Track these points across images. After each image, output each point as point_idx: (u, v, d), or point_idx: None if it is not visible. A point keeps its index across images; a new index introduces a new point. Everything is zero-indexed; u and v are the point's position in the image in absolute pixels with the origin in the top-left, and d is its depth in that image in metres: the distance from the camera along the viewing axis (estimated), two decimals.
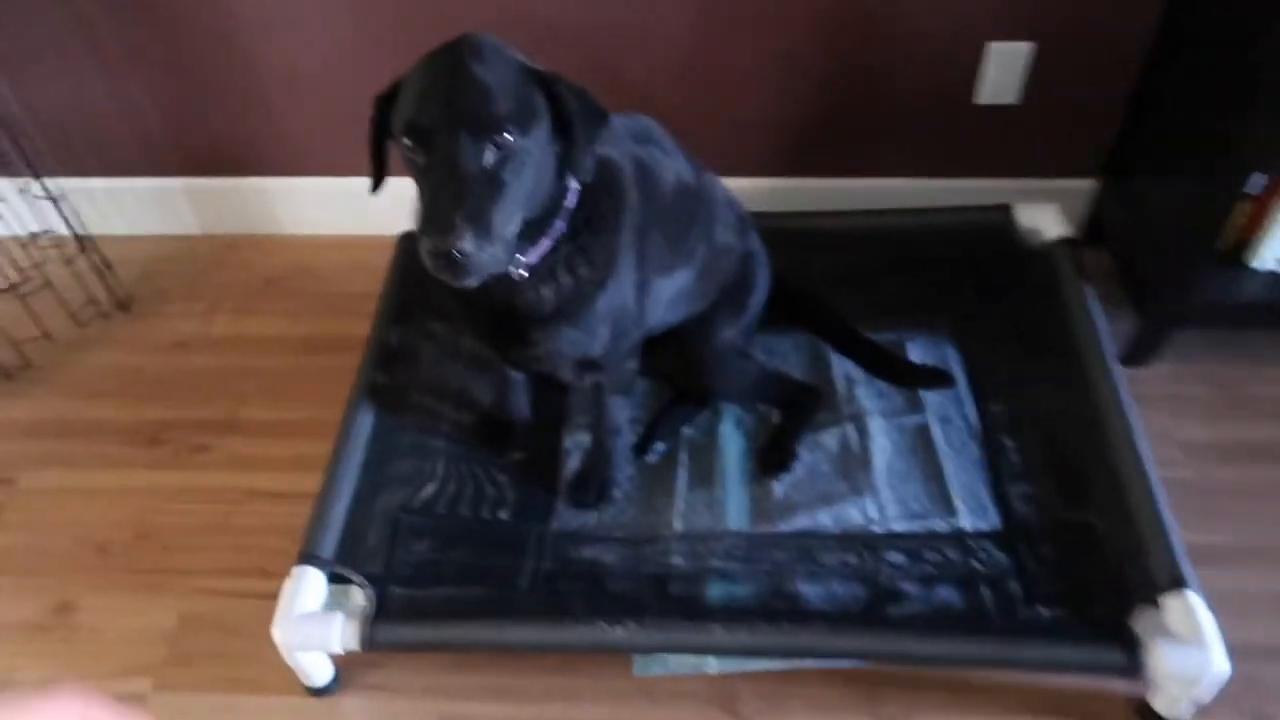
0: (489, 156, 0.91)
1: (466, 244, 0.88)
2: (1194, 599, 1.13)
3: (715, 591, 1.27)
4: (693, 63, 1.61)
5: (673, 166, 1.23)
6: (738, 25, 1.56)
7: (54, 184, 1.68)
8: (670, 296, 1.29)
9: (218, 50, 1.65)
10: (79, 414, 1.65)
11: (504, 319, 1.12)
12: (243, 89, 1.70)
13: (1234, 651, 1.11)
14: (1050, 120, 1.64)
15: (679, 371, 1.44)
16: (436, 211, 0.89)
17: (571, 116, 0.98)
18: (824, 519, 1.39)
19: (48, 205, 1.69)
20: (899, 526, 1.38)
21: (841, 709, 1.23)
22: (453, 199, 0.89)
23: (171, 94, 1.72)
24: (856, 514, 1.39)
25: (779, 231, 1.54)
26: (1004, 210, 1.62)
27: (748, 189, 1.54)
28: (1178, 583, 1.15)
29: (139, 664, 1.32)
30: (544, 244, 1.06)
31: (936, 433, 1.48)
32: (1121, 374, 1.38)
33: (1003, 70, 1.57)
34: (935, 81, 1.59)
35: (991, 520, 1.35)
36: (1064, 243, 1.56)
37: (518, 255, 1.05)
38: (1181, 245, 1.49)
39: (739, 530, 1.36)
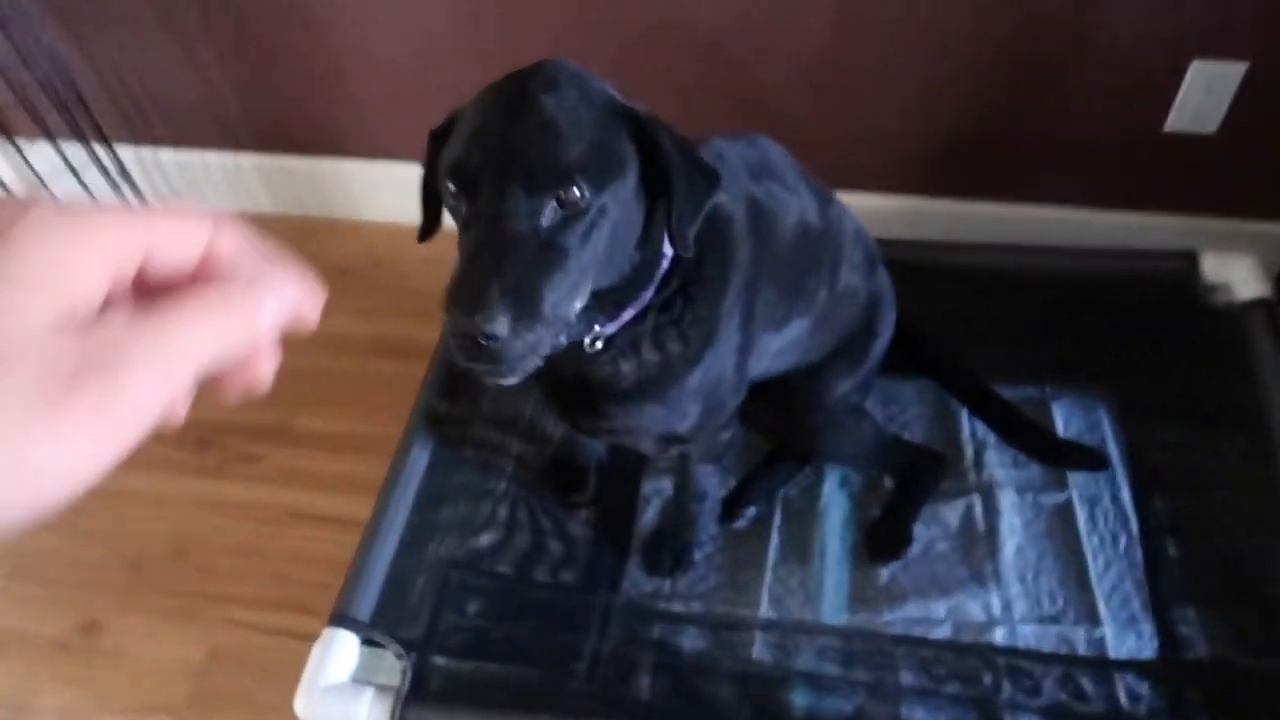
0: (549, 216, 0.71)
1: (499, 326, 0.66)
2: None
3: (800, 700, 1.09)
4: (828, 66, 1.39)
5: (794, 206, 1.01)
6: (883, 25, 1.33)
7: (123, 153, 1.57)
8: (779, 348, 1.09)
9: (293, 20, 1.50)
10: None
11: (574, 388, 0.94)
12: (320, 63, 1.55)
13: None
14: (1252, 154, 1.36)
15: (781, 426, 1.24)
16: (467, 280, 0.68)
17: (671, 174, 0.77)
18: (937, 610, 1.18)
19: (115, 174, 1.58)
20: (1027, 630, 1.16)
21: None
22: (491, 267, 0.68)
23: (247, 64, 1.58)
24: (977, 609, 1.18)
25: (910, 264, 1.31)
26: (1188, 259, 1.35)
27: (878, 209, 1.33)
28: None
29: (161, 701, 1.21)
30: (627, 314, 0.86)
31: (1081, 517, 1.25)
32: None
33: (1205, 94, 1.30)
34: (1120, 101, 1.33)
35: (1146, 643, 1.12)
36: (1260, 305, 1.29)
37: (595, 325, 0.85)
38: None
39: (836, 625, 1.17)
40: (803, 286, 1.05)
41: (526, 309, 0.69)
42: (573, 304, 0.74)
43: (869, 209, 1.22)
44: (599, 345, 0.88)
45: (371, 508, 1.18)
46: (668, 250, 0.86)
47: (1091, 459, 1.27)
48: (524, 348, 0.70)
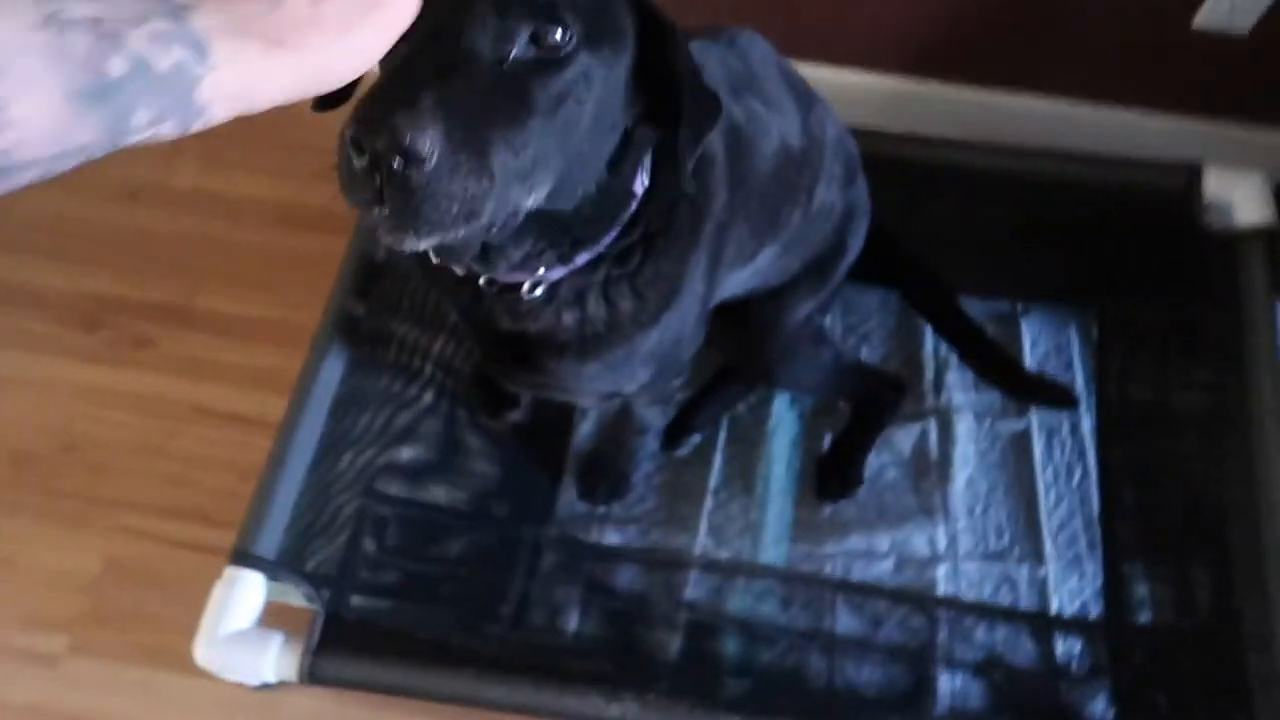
0: (519, 48, 0.54)
1: (424, 141, 0.47)
2: None
3: (733, 648, 1.05)
4: None
5: (776, 128, 0.85)
6: None
7: None
8: (744, 279, 0.96)
9: None
10: (2, 274, 1.36)
11: (507, 338, 0.81)
12: None
13: None
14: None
15: (734, 351, 1.13)
16: (394, 82, 0.49)
17: (680, 87, 0.61)
18: (881, 543, 1.14)
19: None
20: (971, 567, 1.13)
21: None
22: (432, 75, 0.49)
23: None
24: (922, 542, 1.14)
25: (887, 161, 1.16)
26: (1189, 173, 1.22)
27: (861, 90, 1.16)
28: None
29: (56, 617, 1.12)
30: (580, 259, 0.71)
31: (1038, 448, 1.20)
32: None
33: None
34: None
35: (1089, 584, 1.09)
36: (1260, 235, 1.18)
37: (542, 269, 0.71)
38: None
39: (775, 563, 1.11)
40: (777, 217, 0.91)
41: (469, 142, 0.50)
42: (524, 188, 0.56)
43: (851, 90, 1.05)
44: (538, 292, 0.73)
45: (283, 407, 1.06)
46: (638, 188, 0.71)
47: (1056, 394, 1.20)
48: (450, 196, 0.50)
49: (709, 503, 1.15)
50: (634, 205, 0.72)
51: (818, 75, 1.00)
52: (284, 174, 1.43)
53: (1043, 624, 1.08)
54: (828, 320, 1.21)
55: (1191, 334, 1.19)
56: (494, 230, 0.58)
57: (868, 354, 1.27)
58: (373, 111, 0.48)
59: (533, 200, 0.59)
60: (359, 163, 0.49)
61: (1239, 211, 1.20)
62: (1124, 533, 1.12)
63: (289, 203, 1.41)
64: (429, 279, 0.81)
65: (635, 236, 0.73)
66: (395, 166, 0.48)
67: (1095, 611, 1.09)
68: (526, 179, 0.56)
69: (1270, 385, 1.05)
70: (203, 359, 1.28)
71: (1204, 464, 1.09)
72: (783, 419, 1.22)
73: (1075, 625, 1.07)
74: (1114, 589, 1.09)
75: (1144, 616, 1.08)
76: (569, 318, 0.76)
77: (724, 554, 1.12)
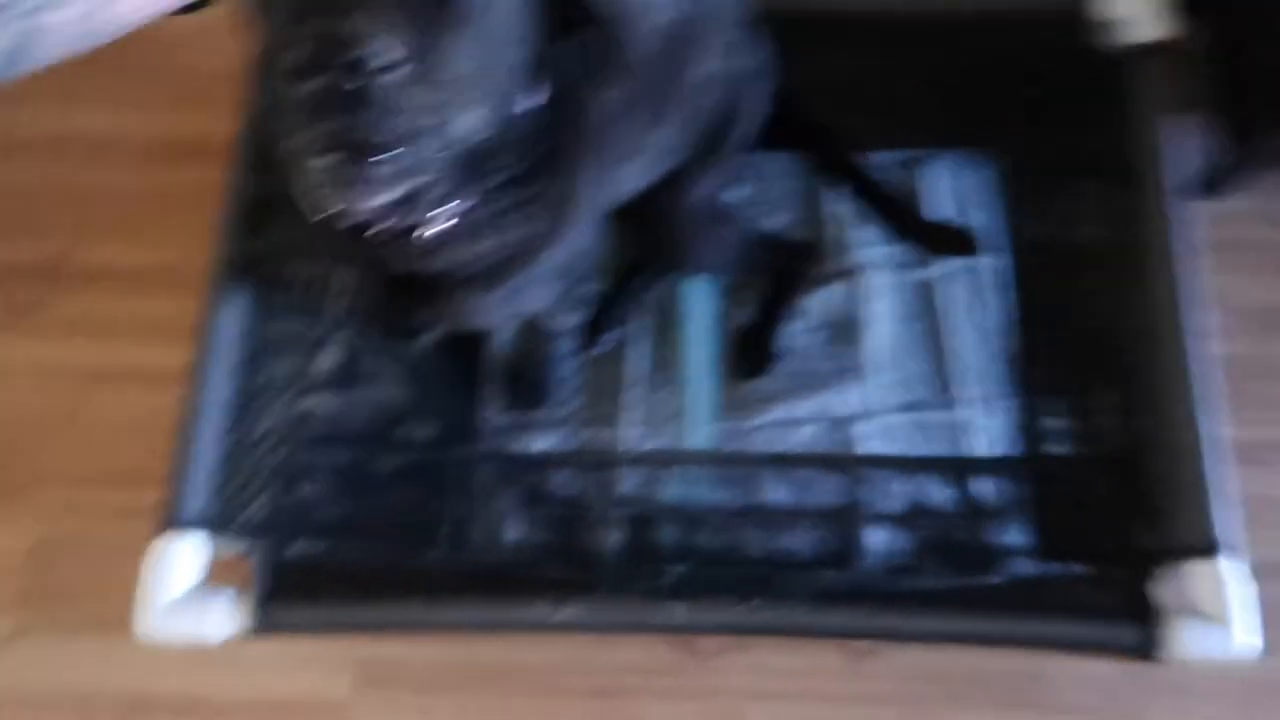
0: None
1: (391, 48, 0.42)
2: (1225, 569, 0.97)
3: (670, 536, 1.08)
4: None
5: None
6: None
7: None
8: (637, 170, 0.93)
9: None
10: None
11: (403, 280, 0.78)
12: None
13: None
14: None
15: (636, 241, 1.12)
16: None
17: None
18: (802, 410, 1.17)
19: None
20: (891, 420, 1.17)
21: (811, 647, 1.11)
22: None
23: None
24: (840, 404, 1.17)
25: (783, 17, 1.11)
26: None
27: None
28: (1208, 549, 0.97)
29: None
30: (484, 189, 0.68)
31: (949, 294, 1.21)
32: (1186, 253, 1.08)
33: None
34: None
35: (1002, 422, 1.13)
36: (1150, 52, 1.16)
37: (457, 203, 0.67)
38: None
39: (702, 447, 1.13)
40: (667, 97, 0.88)
41: (435, 44, 0.45)
42: (476, 105, 0.52)
43: None
44: (439, 229, 0.69)
45: (181, 412, 1.04)
46: (534, 106, 0.67)
47: (957, 242, 1.20)
48: (415, 121, 0.46)
49: (633, 394, 1.16)
50: (528, 125, 0.68)
51: None
52: (145, 105, 1.34)
53: (960, 467, 1.12)
54: (737, 194, 1.19)
55: (1095, 165, 1.19)
56: (440, 160, 0.53)
57: (775, 222, 1.25)
58: (313, 20, 0.40)
59: (473, 122, 0.55)
60: (304, 89, 0.42)
61: (1130, 28, 1.18)
62: (1036, 372, 1.15)
63: (157, 136, 1.33)
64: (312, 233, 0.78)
65: (533, 158, 0.70)
66: (348, 85, 0.41)
67: (1011, 450, 1.13)
68: (475, 97, 0.52)
69: (1156, 209, 1.06)
70: (97, 316, 1.24)
71: (1106, 297, 1.12)
72: (698, 302, 1.22)
73: (990, 465, 1.12)
74: (1027, 427, 1.13)
75: (1057, 449, 1.12)
76: (470, 251, 0.73)
77: (653, 444, 1.14)
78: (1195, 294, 1.09)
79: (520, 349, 1.15)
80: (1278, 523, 1.10)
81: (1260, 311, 1.23)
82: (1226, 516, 0.98)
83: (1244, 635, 0.94)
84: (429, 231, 0.69)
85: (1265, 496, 1.05)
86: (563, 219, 0.76)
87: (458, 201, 0.67)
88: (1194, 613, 0.95)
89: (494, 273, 0.77)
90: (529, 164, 0.70)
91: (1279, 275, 1.26)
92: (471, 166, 0.64)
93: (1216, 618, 0.94)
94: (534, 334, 1.10)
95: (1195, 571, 0.96)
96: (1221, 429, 1.07)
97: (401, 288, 0.81)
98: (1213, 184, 1.24)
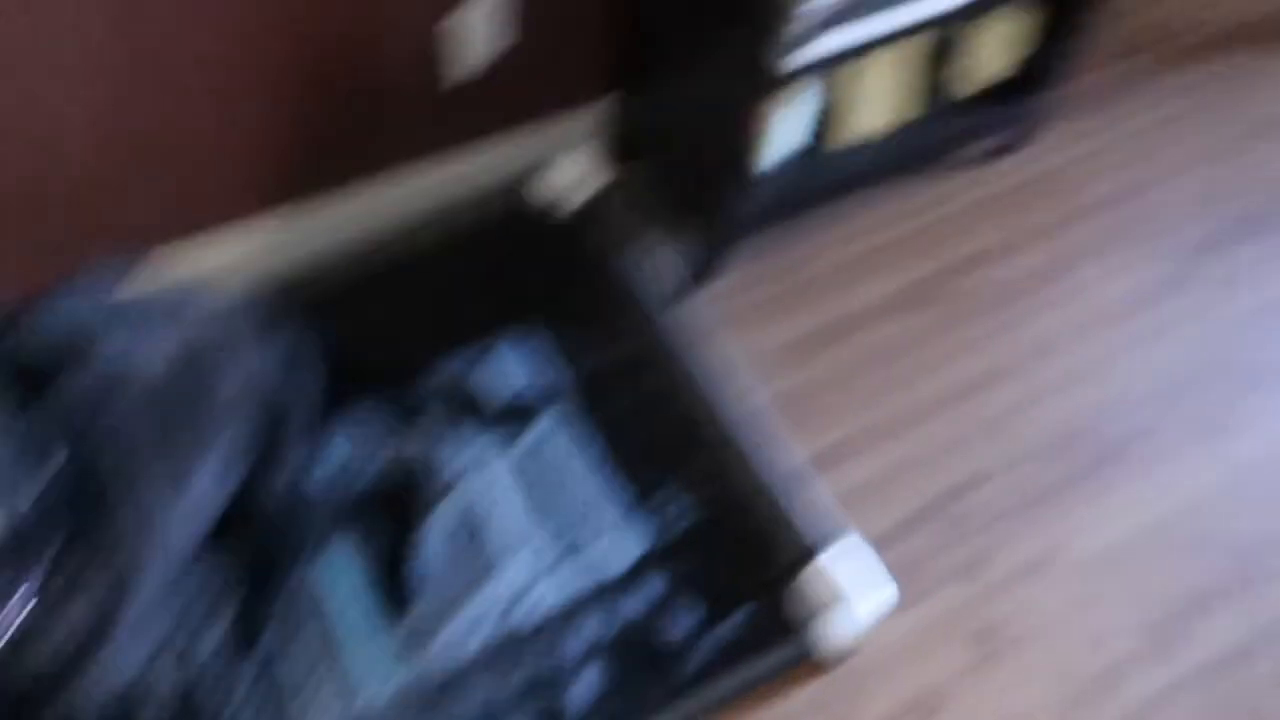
0: None
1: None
2: (828, 562, 1.15)
3: None
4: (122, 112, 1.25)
5: (143, 354, 0.91)
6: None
7: None
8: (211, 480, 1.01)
9: None
10: None
11: None
12: None
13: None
14: (542, 55, 1.46)
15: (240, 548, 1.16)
16: None
17: None
18: (464, 618, 1.19)
19: None
20: (553, 580, 1.24)
21: None
22: None
23: None
24: (504, 585, 1.23)
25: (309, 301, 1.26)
26: (513, 190, 1.43)
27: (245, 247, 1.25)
28: (807, 554, 1.15)
29: None
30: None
31: (548, 453, 1.34)
32: (704, 336, 1.30)
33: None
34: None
35: (636, 529, 1.25)
36: (594, 205, 1.42)
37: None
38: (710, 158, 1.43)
39: (390, 700, 1.13)
40: (202, 422, 0.97)
41: None
42: None
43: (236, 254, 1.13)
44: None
45: None
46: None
47: (525, 413, 1.34)
48: None
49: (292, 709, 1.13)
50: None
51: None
52: None
53: (617, 586, 1.22)
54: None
55: (597, 303, 1.41)
56: None
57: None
58: None
59: None
60: None
61: (573, 194, 1.44)
62: (642, 474, 1.29)
63: None
64: None
65: (67, 525, 0.77)
66: None
67: (654, 544, 1.24)
68: None
69: (648, 323, 1.29)
70: None
71: (660, 398, 1.32)
72: (338, 575, 1.22)
73: (640, 569, 1.21)
74: (657, 519, 1.25)
75: (683, 525, 1.25)
76: (55, 634, 0.77)
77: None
78: (724, 364, 1.32)
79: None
80: (876, 498, 1.31)
81: (783, 347, 1.50)
82: (819, 519, 1.18)
83: (866, 603, 1.13)
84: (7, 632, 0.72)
85: (855, 483, 1.27)
86: (125, 564, 0.80)
87: (20, 590, 0.71)
88: (823, 607, 1.13)
89: (85, 645, 0.78)
90: (65, 532, 0.75)
91: (784, 315, 1.53)
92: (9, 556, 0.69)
93: (839, 601, 1.12)
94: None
95: (808, 577, 1.14)
96: (794, 453, 1.29)
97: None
98: (699, 275, 1.51)
